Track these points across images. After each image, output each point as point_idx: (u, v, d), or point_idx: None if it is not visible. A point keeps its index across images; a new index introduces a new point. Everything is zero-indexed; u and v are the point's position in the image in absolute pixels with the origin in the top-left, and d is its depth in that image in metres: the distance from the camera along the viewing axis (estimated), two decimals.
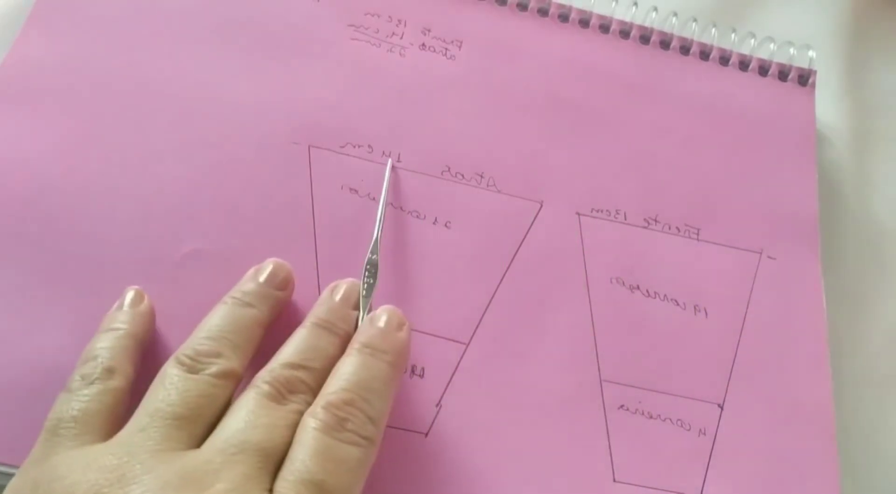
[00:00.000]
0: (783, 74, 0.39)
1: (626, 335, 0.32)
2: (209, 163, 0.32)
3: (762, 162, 0.37)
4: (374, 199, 0.33)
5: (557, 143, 0.36)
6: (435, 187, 0.33)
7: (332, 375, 0.25)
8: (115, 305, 0.28)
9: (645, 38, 0.39)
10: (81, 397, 0.24)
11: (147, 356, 0.27)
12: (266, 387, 0.25)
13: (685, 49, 0.39)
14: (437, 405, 0.29)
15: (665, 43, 0.39)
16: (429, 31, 0.37)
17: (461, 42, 0.37)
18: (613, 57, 0.38)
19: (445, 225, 0.33)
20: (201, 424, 0.24)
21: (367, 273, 0.29)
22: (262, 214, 0.32)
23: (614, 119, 0.37)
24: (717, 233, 0.35)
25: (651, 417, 0.30)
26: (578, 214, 0.34)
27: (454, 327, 0.31)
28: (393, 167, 0.33)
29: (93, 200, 0.31)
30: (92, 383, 0.25)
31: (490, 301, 0.31)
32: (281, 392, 0.25)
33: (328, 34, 0.36)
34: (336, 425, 0.24)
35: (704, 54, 0.39)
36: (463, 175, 0.34)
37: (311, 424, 0.23)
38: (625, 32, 0.39)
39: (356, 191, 0.33)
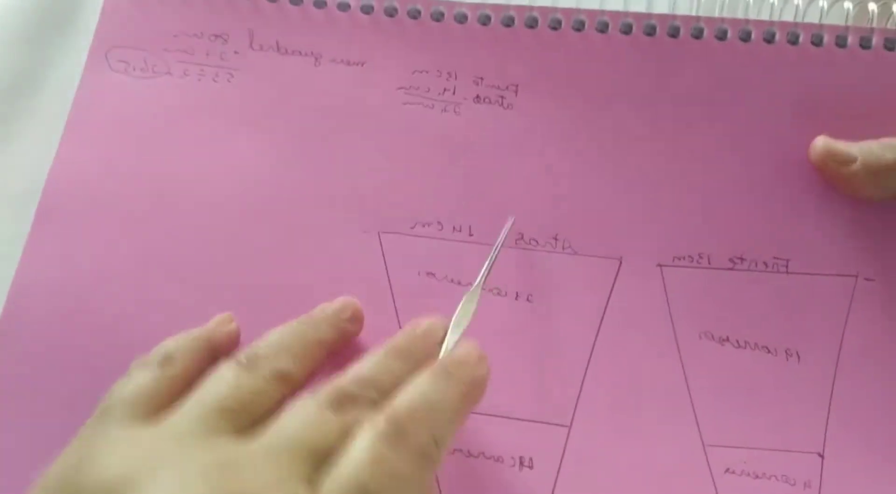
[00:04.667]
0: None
1: (722, 394, 0.31)
2: (277, 265, 0.32)
3: None
4: (453, 281, 0.32)
5: (630, 189, 0.34)
6: (511, 259, 0.33)
7: (401, 390, 0.25)
8: None
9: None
10: (137, 379, 0.25)
11: None
12: (326, 396, 0.24)
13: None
14: None
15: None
16: (481, 79, 0.35)
17: (516, 86, 0.35)
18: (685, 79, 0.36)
19: (528, 299, 0.32)
20: (248, 418, 0.24)
21: (465, 302, 0.29)
22: None
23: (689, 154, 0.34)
24: (809, 261, 0.33)
25: (756, 476, 0.30)
26: (660, 265, 0.33)
27: (553, 409, 0.31)
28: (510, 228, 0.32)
29: (158, 318, 0.31)
30: (149, 367, 0.26)
31: (584, 376, 0.31)
32: (342, 402, 0.24)
33: (379, 102, 0.35)
34: (395, 436, 0.22)
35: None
36: (537, 241, 0.33)
37: (370, 431, 0.23)
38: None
39: (433, 274, 0.32)
